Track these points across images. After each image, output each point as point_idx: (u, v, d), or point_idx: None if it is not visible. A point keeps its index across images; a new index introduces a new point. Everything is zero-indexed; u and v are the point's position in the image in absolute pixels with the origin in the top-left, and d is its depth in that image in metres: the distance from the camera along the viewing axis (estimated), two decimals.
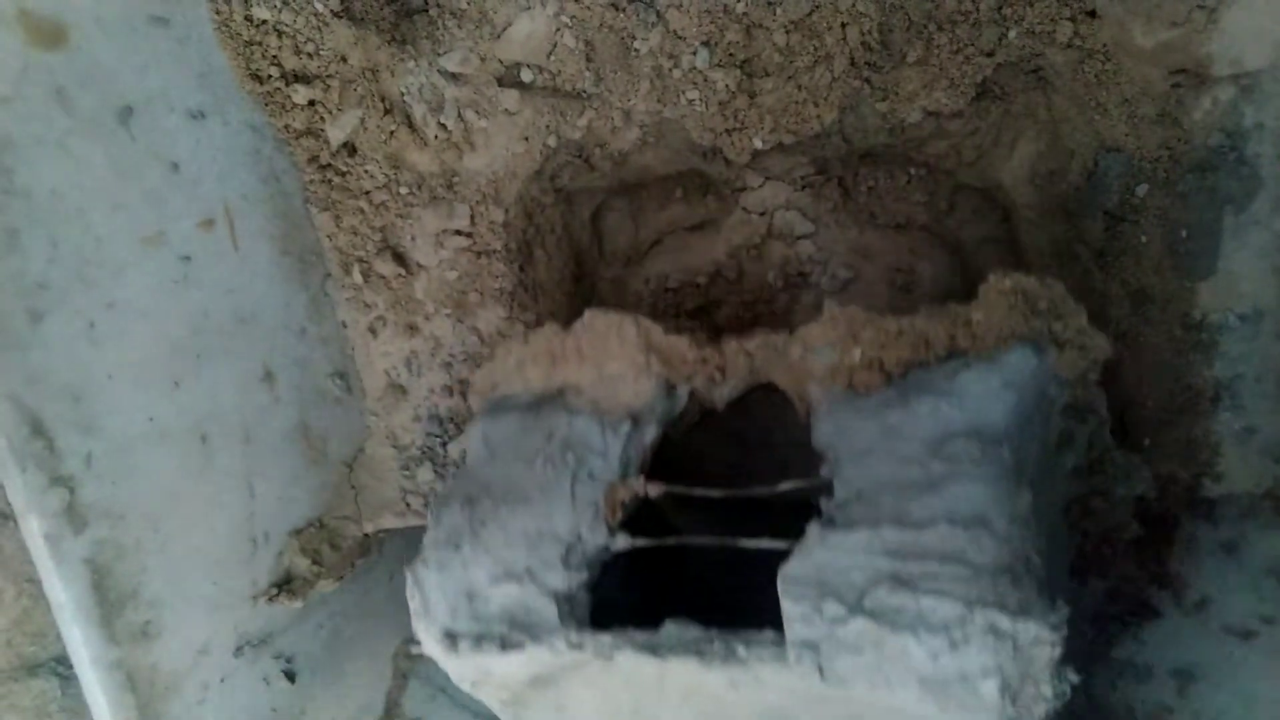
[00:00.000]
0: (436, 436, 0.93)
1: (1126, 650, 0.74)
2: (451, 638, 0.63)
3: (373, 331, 0.94)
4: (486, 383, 0.76)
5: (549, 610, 0.62)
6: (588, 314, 0.70)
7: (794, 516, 0.60)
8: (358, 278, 0.92)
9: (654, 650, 0.59)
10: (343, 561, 0.90)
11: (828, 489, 0.60)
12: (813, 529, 0.57)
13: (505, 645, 0.62)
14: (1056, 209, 0.80)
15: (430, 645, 0.64)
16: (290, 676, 0.87)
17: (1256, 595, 0.76)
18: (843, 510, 0.57)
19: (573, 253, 0.97)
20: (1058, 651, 0.49)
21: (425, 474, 0.93)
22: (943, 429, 0.58)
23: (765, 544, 0.60)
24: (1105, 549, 0.74)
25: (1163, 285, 0.74)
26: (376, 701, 0.91)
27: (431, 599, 0.65)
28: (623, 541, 0.64)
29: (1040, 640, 0.48)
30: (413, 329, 0.92)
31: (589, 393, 0.71)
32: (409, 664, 0.93)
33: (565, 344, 0.72)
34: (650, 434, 0.69)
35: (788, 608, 0.54)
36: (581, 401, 0.71)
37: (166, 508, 0.77)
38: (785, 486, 0.63)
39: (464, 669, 0.64)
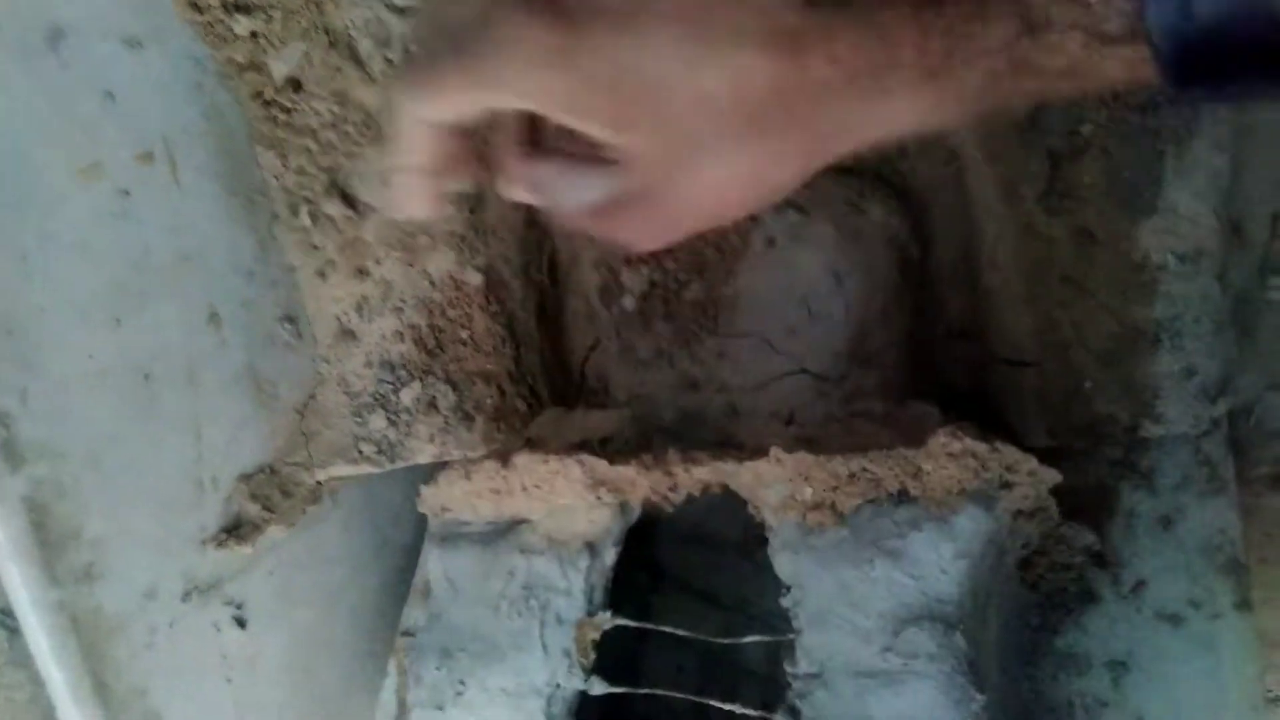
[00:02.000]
0: (388, 383, 0.91)
1: (1068, 640, 0.75)
2: None
3: (322, 275, 0.90)
4: (435, 503, 0.74)
5: None
6: (523, 459, 0.67)
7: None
8: (305, 219, 0.87)
9: None
10: (294, 508, 0.92)
11: (790, 652, 0.61)
12: None
13: None
14: (1001, 150, 0.75)
15: None
16: (241, 623, 0.90)
17: (1189, 576, 0.78)
18: (807, 697, 0.59)
19: None
20: None
21: (378, 421, 0.92)
22: (898, 603, 0.59)
23: (738, 710, 0.62)
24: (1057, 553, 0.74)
25: (1106, 226, 0.72)
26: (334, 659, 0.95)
27: None
28: (599, 687, 0.66)
29: None
30: (362, 273, 0.89)
31: (542, 527, 0.70)
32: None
33: (509, 482, 0.69)
34: (609, 557, 0.69)
35: None
36: (536, 538, 0.70)
37: (109, 447, 0.77)
38: (751, 639, 0.64)
39: None
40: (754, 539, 0.71)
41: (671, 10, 0.35)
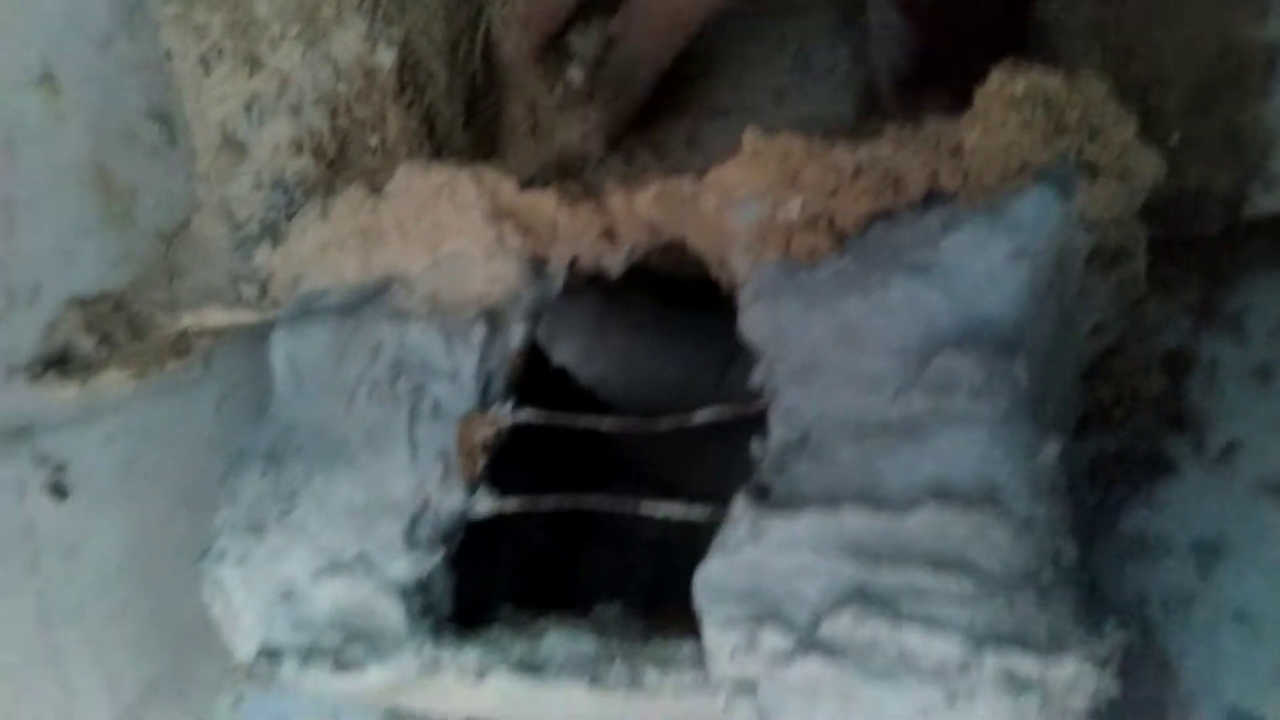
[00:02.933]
0: (280, 208, 0.73)
1: (1138, 520, 0.58)
2: (272, 654, 0.47)
3: (205, 65, 0.74)
4: (287, 273, 0.55)
5: (393, 611, 0.45)
6: (401, 171, 0.48)
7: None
8: None
9: (535, 671, 0.42)
10: (146, 356, 0.72)
11: (760, 422, 0.41)
12: (741, 507, 0.38)
13: (340, 665, 0.45)
14: None
15: (248, 663, 0.48)
16: (59, 491, 0.70)
17: None
18: (783, 471, 0.39)
19: None
20: (1104, 684, 0.33)
21: (264, 253, 0.73)
22: (924, 332, 0.38)
23: (678, 511, 0.42)
24: (1117, 411, 0.58)
25: None
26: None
27: (236, 604, 0.48)
28: (485, 503, 0.46)
29: (1081, 680, 0.32)
30: (254, 62, 0.74)
31: (423, 285, 0.50)
32: None
33: (380, 216, 0.50)
34: (517, 336, 0.48)
35: (711, 636, 0.37)
36: (414, 300, 0.50)
37: None
38: (703, 417, 0.44)
39: (298, 687, 0.48)
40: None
41: None
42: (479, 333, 0.48)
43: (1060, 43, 0.58)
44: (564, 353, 0.91)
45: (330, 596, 0.44)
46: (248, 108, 0.74)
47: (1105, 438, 0.60)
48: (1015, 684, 0.32)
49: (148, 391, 0.75)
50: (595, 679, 0.40)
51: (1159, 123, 0.57)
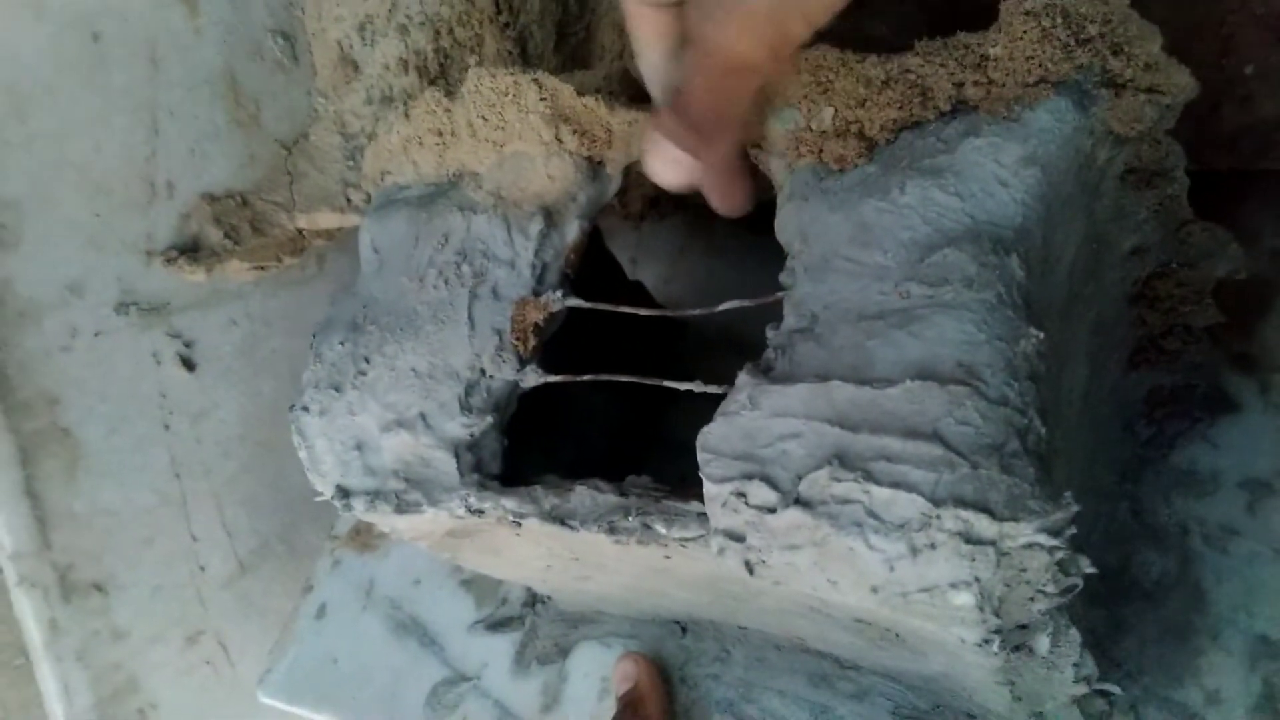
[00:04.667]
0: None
1: (1189, 455, 0.58)
2: (345, 494, 0.53)
3: None
4: (375, 169, 0.61)
5: (447, 464, 0.51)
6: (471, 75, 0.52)
7: None
8: None
9: (563, 520, 0.48)
10: (266, 250, 0.81)
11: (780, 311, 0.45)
12: (744, 379, 0.42)
13: (401, 507, 0.52)
14: None
15: (327, 496, 0.55)
16: (188, 364, 0.79)
17: None
18: (786, 351, 0.42)
19: None
20: (1060, 555, 0.36)
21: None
22: (932, 229, 0.41)
23: (698, 387, 0.46)
24: (1170, 341, 0.58)
25: None
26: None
27: (318, 450, 0.54)
28: (533, 378, 0.51)
29: (1035, 545, 0.35)
30: None
31: (489, 181, 0.55)
32: None
33: (454, 118, 0.54)
34: (572, 232, 0.53)
35: (708, 488, 0.41)
36: (481, 194, 0.55)
37: (39, 98, 0.69)
38: (728, 305, 0.48)
39: (368, 520, 0.56)
40: None
41: None
42: (536, 226, 0.52)
43: None
44: (646, 275, 0.95)
45: (395, 449, 0.51)
46: (361, 28, 0.80)
47: (1162, 371, 0.61)
48: (972, 541, 0.35)
49: (267, 283, 0.85)
50: (612, 529, 0.45)
51: (1234, 53, 0.57)
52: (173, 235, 0.77)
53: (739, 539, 0.40)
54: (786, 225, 0.47)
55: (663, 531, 0.43)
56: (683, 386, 0.46)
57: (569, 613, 0.69)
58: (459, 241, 0.54)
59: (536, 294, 0.52)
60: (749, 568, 0.40)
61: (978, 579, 0.35)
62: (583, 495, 0.47)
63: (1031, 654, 0.41)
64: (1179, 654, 0.54)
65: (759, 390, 0.40)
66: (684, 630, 0.64)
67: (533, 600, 0.72)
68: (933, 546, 0.35)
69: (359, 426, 0.52)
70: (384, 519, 0.52)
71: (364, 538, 0.84)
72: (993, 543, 0.35)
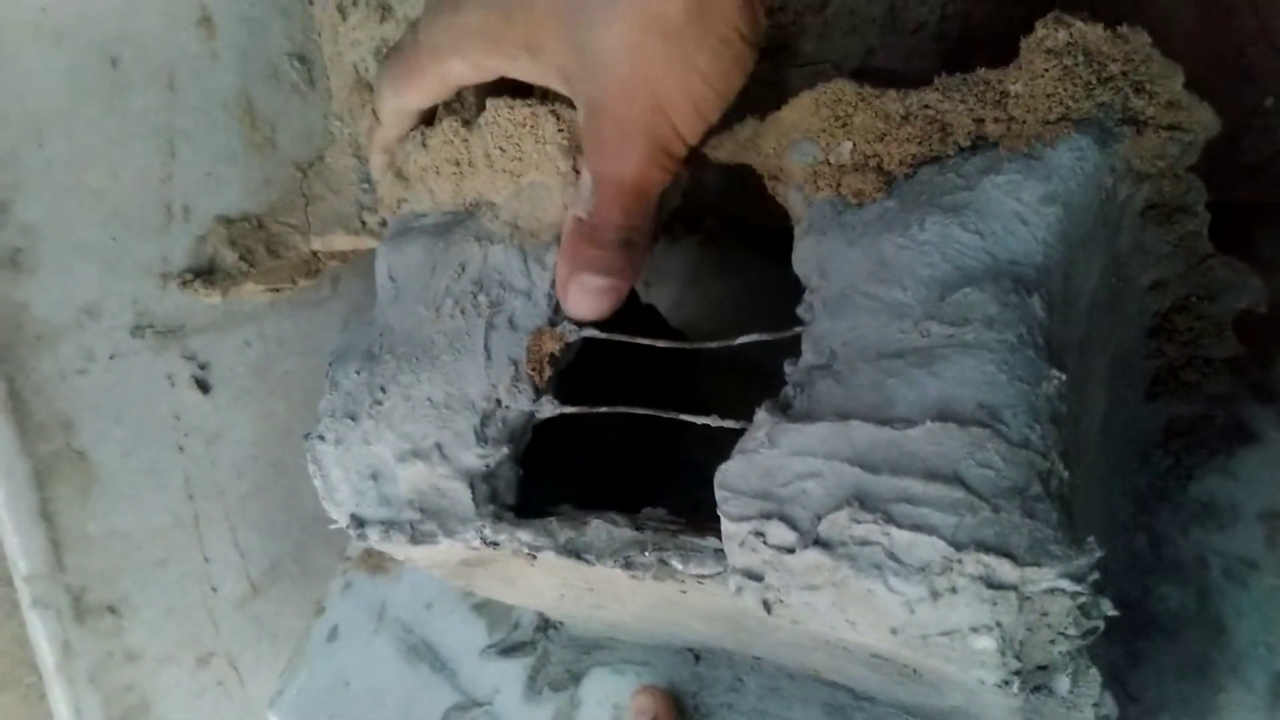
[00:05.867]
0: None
1: (1208, 487, 0.58)
2: (360, 523, 0.53)
3: (342, 11, 0.80)
4: (392, 197, 0.60)
5: (463, 495, 0.50)
6: (490, 106, 0.52)
7: None
8: None
9: (578, 554, 0.48)
10: (281, 272, 0.81)
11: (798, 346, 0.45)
12: (762, 416, 0.42)
13: (416, 538, 0.51)
14: None
15: (343, 526, 0.55)
16: (203, 386, 0.80)
17: None
18: (805, 389, 0.42)
19: None
20: (1082, 599, 0.35)
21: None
22: (952, 266, 0.41)
23: (714, 421, 0.46)
24: (1188, 373, 0.58)
25: None
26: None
27: (333, 479, 0.54)
28: (549, 408, 0.51)
29: (1057, 590, 0.35)
30: (385, 9, 0.80)
31: (506, 211, 0.54)
32: None
33: (471, 148, 0.54)
34: None
35: (726, 527, 0.41)
36: (498, 225, 0.54)
37: (57, 124, 0.69)
38: (746, 339, 0.48)
39: (383, 549, 0.55)
40: None
41: None
42: (553, 256, 0.52)
43: (1155, 2, 0.58)
44: (659, 298, 0.95)
45: (410, 479, 0.51)
46: (377, 52, 0.80)
47: (1181, 402, 0.60)
48: (993, 585, 0.34)
49: (282, 304, 0.85)
50: (628, 564, 0.45)
51: (1252, 84, 0.57)
52: (188, 258, 0.78)
53: (757, 578, 0.39)
54: (805, 259, 0.47)
55: (679, 568, 0.43)
56: (700, 420, 0.46)
57: (581, 639, 0.69)
58: (476, 271, 0.54)
59: (553, 324, 0.52)
60: (767, 607, 0.40)
61: (999, 623, 0.35)
62: (598, 529, 0.46)
63: (1051, 694, 0.40)
64: (1199, 689, 0.54)
65: (778, 429, 0.40)
66: (697, 658, 0.64)
67: (545, 625, 0.72)
68: (954, 590, 0.35)
69: (375, 456, 0.52)
70: (398, 549, 0.52)
71: (376, 560, 0.84)
72: (1014, 588, 0.34)
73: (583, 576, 0.50)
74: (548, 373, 0.51)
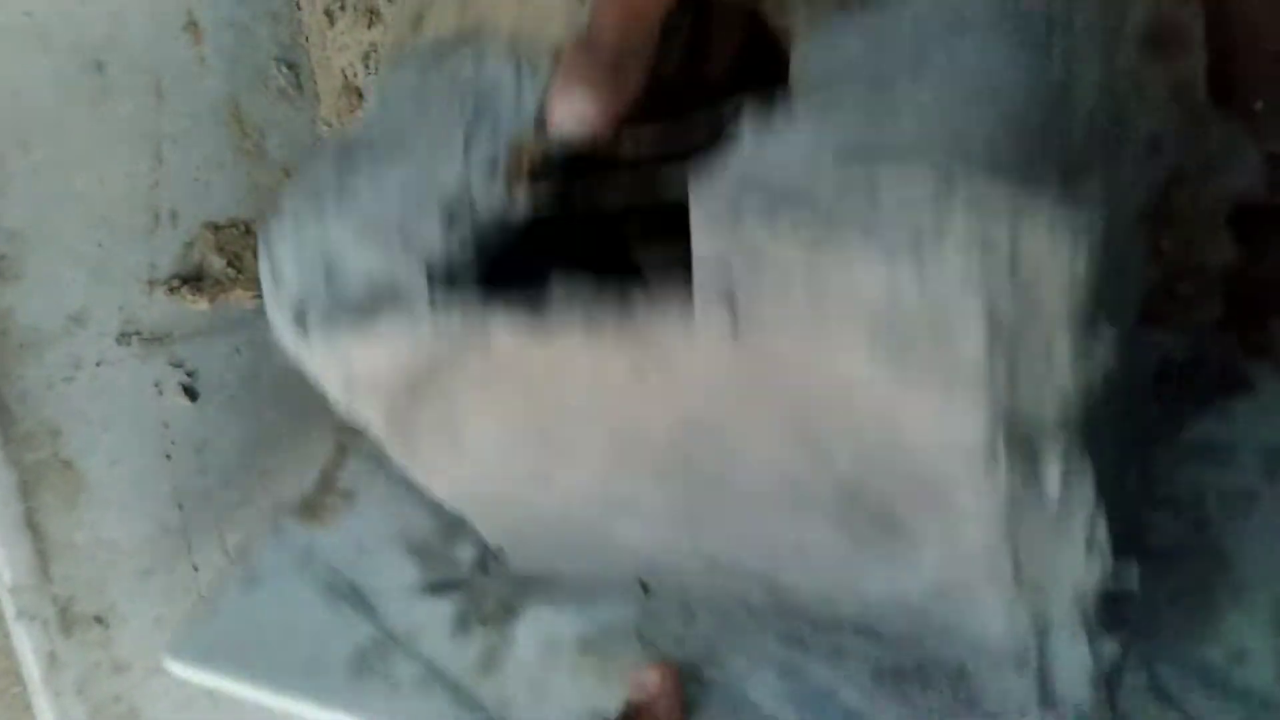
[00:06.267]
0: None
1: (1204, 428, 0.57)
2: (302, 316, 0.50)
3: (329, 17, 0.83)
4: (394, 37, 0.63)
5: (418, 279, 0.48)
6: None
7: None
8: None
9: (538, 311, 0.45)
10: None
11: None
12: (745, 133, 0.41)
13: (361, 320, 0.48)
14: None
15: (282, 328, 0.52)
16: (191, 394, 0.78)
17: None
18: (790, 109, 0.41)
19: None
20: (1081, 267, 0.32)
21: None
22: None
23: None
24: (1185, 286, 0.57)
25: None
26: (299, 460, 0.80)
27: (283, 265, 0.51)
28: (522, 206, 0.49)
29: (1055, 237, 0.31)
30: (373, 14, 0.82)
31: (507, 30, 0.54)
32: (349, 438, 0.82)
33: None
34: None
35: (696, 213, 0.39)
36: (497, 44, 0.54)
37: (43, 129, 0.69)
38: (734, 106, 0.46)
39: (324, 361, 0.52)
40: None
41: None
42: (545, 67, 0.51)
43: None
44: None
45: (365, 262, 0.48)
46: (366, 57, 0.83)
47: (1172, 334, 0.59)
48: (981, 213, 0.32)
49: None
50: (590, 322, 0.42)
51: (1243, 88, 0.56)
52: (176, 264, 0.78)
53: (727, 297, 0.37)
54: (800, 54, 0.46)
55: (642, 316, 0.41)
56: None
57: (521, 574, 0.64)
58: (467, 80, 0.52)
59: (539, 133, 0.50)
60: (734, 325, 0.38)
61: (988, 286, 0.32)
62: (558, 287, 0.44)
63: (1039, 492, 0.38)
64: (1197, 615, 0.51)
65: (761, 137, 0.39)
66: (646, 589, 0.59)
67: (483, 562, 0.66)
68: (939, 234, 0.33)
69: (331, 240, 0.49)
70: (339, 349, 0.49)
71: (312, 508, 0.77)
72: (1006, 219, 0.32)
73: (536, 401, 0.47)
74: (524, 181, 0.49)
